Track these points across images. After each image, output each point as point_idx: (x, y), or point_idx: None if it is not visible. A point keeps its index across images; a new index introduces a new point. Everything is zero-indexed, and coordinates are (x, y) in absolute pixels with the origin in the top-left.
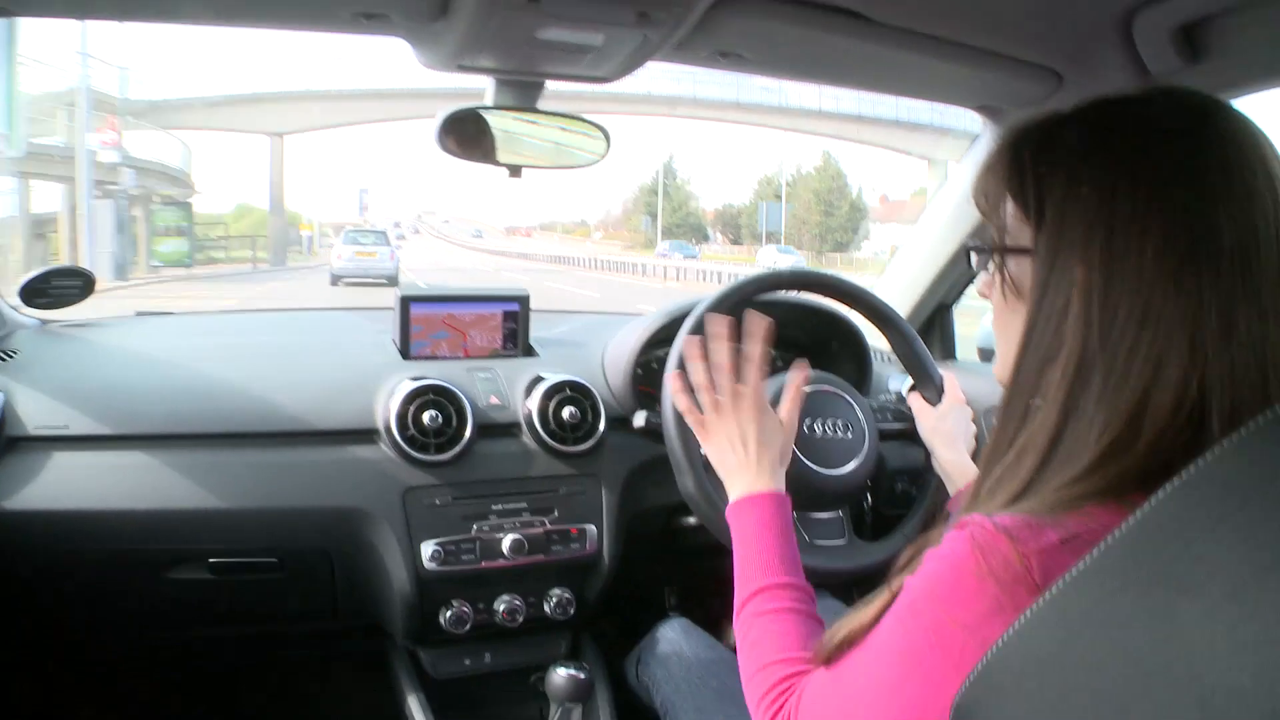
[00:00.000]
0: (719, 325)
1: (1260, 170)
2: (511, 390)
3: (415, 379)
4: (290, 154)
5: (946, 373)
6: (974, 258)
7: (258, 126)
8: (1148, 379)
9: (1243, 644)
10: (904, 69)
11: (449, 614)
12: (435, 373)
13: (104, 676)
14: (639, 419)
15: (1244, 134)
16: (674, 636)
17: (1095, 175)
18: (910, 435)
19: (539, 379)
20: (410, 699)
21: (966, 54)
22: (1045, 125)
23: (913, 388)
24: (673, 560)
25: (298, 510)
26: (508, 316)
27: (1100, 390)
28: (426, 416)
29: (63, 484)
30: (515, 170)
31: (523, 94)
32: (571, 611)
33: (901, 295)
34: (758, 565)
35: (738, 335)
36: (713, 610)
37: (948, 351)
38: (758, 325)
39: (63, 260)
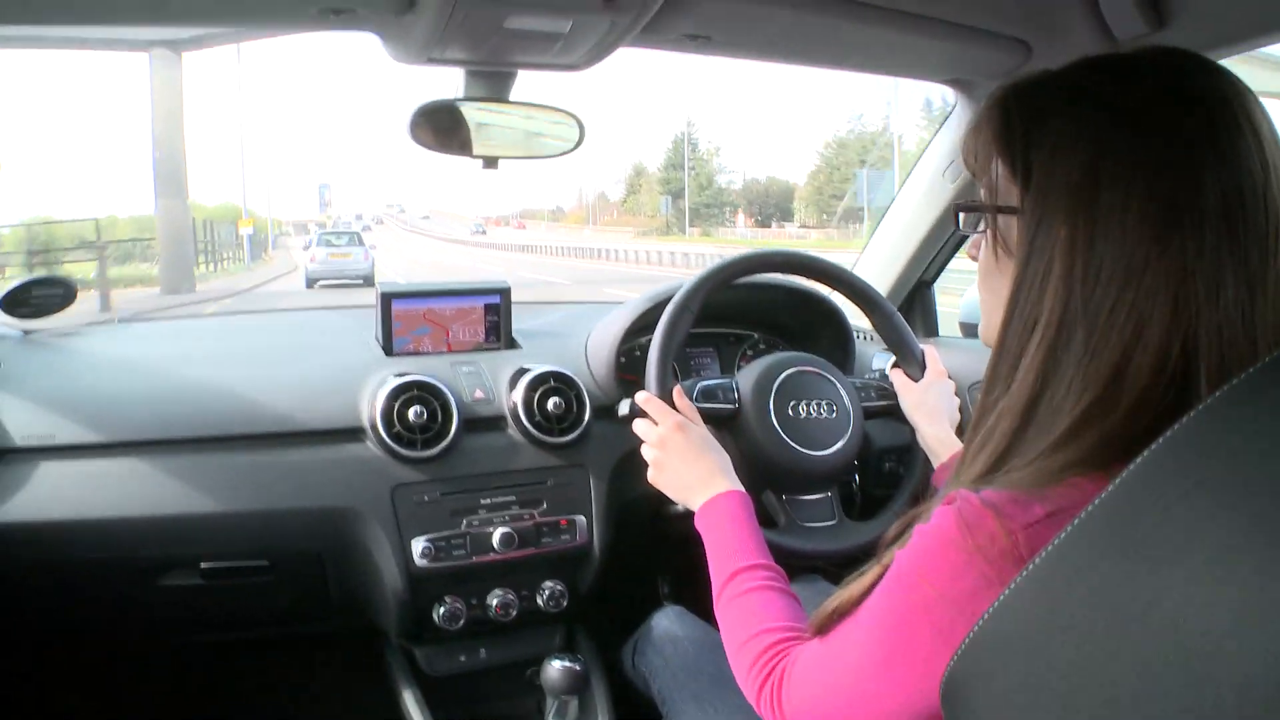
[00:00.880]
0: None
1: (1246, 129)
2: (496, 383)
3: (399, 375)
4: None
5: (928, 347)
6: (961, 218)
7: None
8: (1129, 339)
9: (1225, 609)
10: (875, 45)
11: (442, 610)
12: (419, 368)
13: (98, 679)
14: (624, 407)
15: (1230, 92)
16: (669, 624)
17: (1080, 135)
18: (894, 412)
19: (523, 371)
20: (407, 697)
21: (936, 28)
22: (1032, 85)
23: (895, 364)
24: (664, 548)
25: (287, 511)
26: (489, 309)
27: (1081, 352)
28: (412, 413)
29: (51, 494)
30: (491, 161)
31: (494, 85)
32: (564, 603)
33: (881, 274)
34: (729, 552)
35: (721, 317)
36: (706, 597)
37: (930, 328)
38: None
39: None
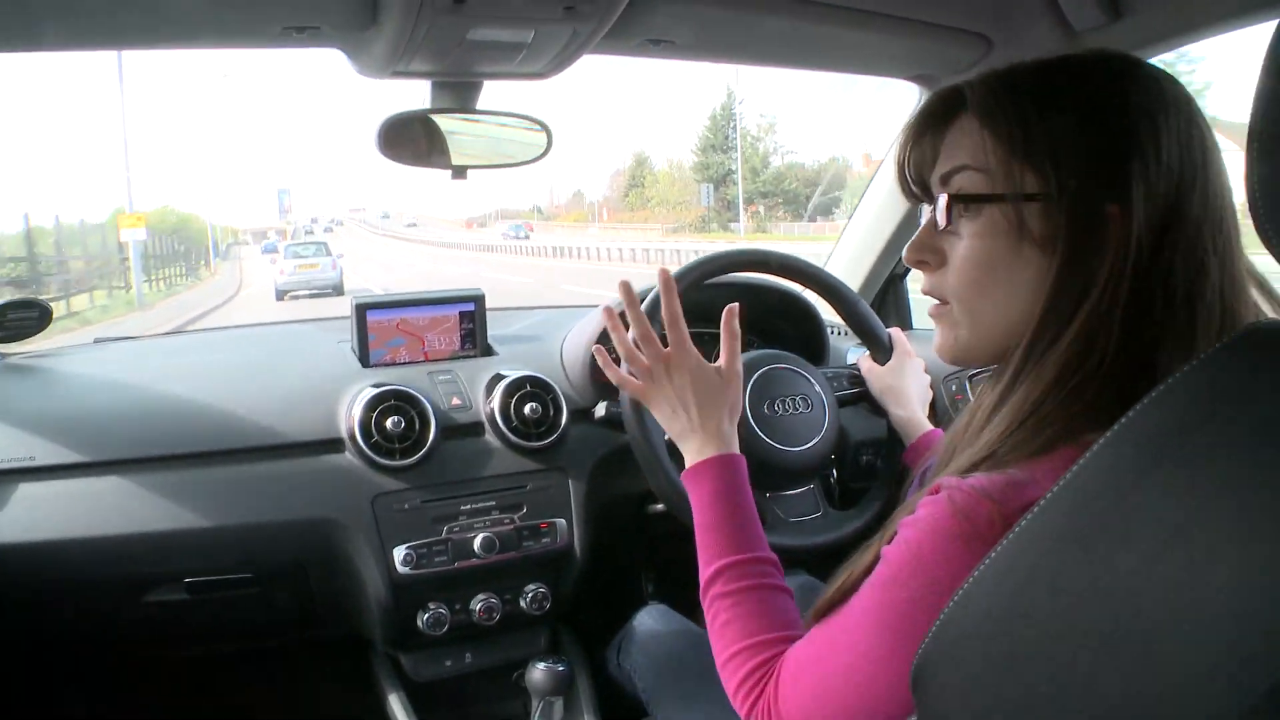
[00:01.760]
0: (629, 295)
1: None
2: (473, 390)
3: (376, 385)
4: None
5: (894, 330)
6: (949, 210)
7: None
8: (1157, 318)
9: (1177, 588)
10: (837, 45)
11: (426, 617)
12: (396, 378)
13: (83, 694)
14: (600, 410)
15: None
16: (653, 623)
17: (1104, 115)
18: (866, 398)
19: (499, 377)
20: (394, 703)
21: (897, 25)
22: (1012, 75)
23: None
24: (647, 547)
25: (269, 524)
26: (464, 317)
27: (1119, 333)
28: (390, 422)
29: (32, 515)
30: (460, 172)
31: (460, 96)
32: (548, 606)
33: (853, 268)
34: (716, 540)
35: (693, 317)
36: (691, 594)
37: (903, 321)
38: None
39: None
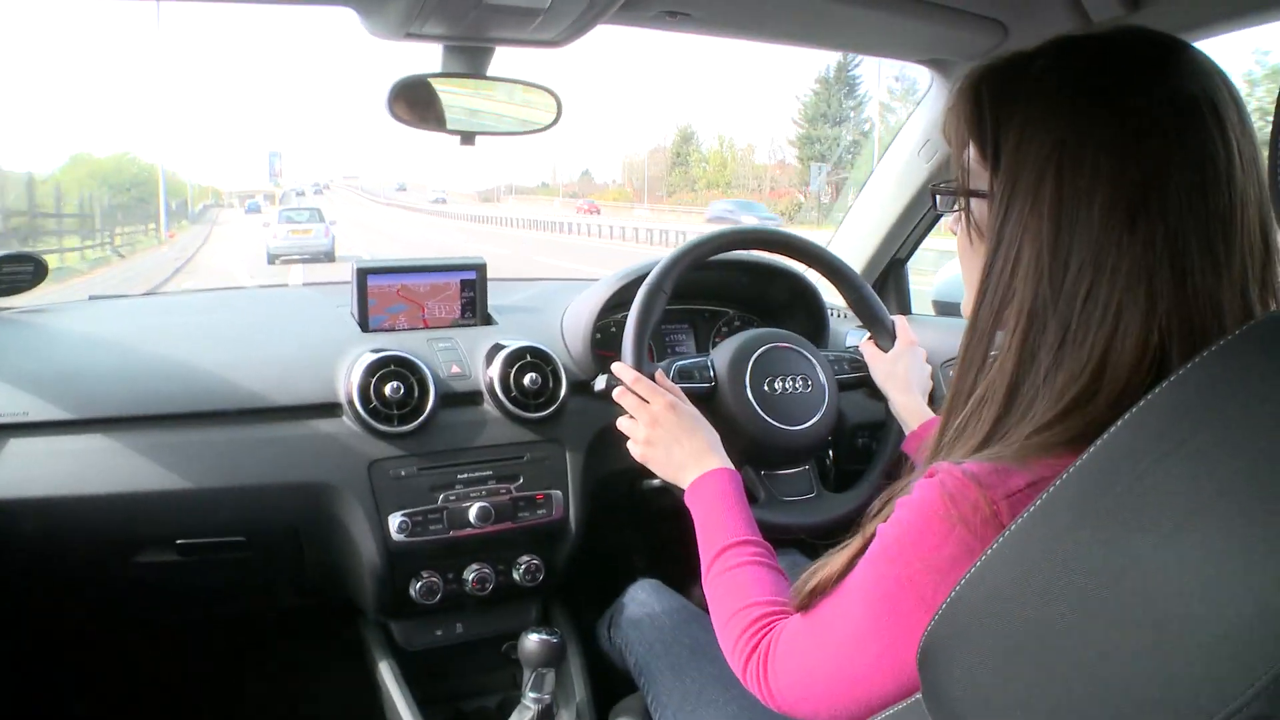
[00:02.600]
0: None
1: (1210, 111)
2: (472, 359)
3: (376, 351)
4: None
5: (898, 318)
6: (938, 199)
7: None
8: (1109, 331)
9: (1194, 572)
10: (853, 25)
11: (419, 585)
12: (395, 344)
13: (72, 657)
14: (599, 383)
15: (1199, 73)
16: (645, 597)
17: (1048, 118)
18: (867, 383)
19: (499, 346)
20: (384, 672)
21: (914, 8)
22: (1003, 67)
23: (869, 337)
24: (640, 522)
25: (263, 487)
26: (465, 285)
27: (1057, 341)
28: (388, 388)
29: (24, 471)
30: (468, 138)
31: (472, 61)
32: (541, 578)
33: (856, 251)
34: (718, 528)
35: (697, 293)
36: (682, 570)
37: (903, 306)
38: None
39: None
